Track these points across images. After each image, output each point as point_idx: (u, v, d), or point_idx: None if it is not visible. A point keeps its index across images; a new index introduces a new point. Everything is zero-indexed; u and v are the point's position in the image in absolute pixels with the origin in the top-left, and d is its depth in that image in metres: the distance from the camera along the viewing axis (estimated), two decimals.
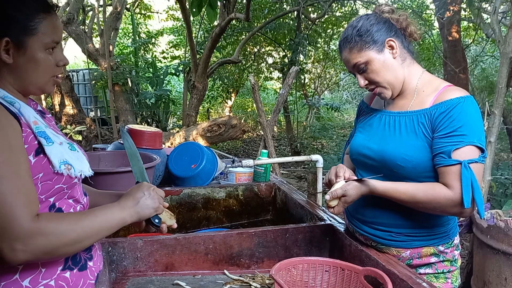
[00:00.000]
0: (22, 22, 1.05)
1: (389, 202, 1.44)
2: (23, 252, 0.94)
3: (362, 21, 1.43)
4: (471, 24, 10.26)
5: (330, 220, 1.80)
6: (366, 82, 1.46)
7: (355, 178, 1.46)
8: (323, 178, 2.36)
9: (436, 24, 9.33)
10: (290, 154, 8.97)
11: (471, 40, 8.98)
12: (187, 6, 7.65)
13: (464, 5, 8.18)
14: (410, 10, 9.00)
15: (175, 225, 1.33)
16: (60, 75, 1.17)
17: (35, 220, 0.96)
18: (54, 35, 1.10)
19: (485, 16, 8.29)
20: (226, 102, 12.89)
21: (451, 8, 7.43)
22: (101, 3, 9.25)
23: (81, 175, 1.14)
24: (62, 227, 1.00)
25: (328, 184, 1.50)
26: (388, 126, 1.49)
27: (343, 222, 1.76)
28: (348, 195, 1.41)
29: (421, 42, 9.95)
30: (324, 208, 1.97)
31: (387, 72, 1.43)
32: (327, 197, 1.44)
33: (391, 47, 1.43)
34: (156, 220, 1.21)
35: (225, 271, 1.61)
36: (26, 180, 0.98)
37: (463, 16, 9.09)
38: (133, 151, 1.42)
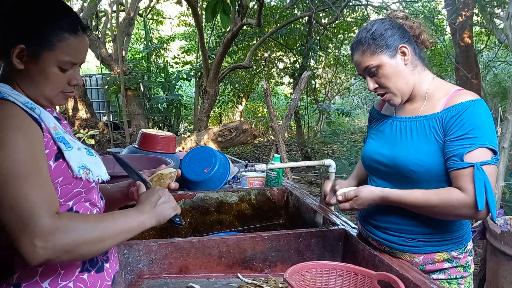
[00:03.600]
0: (43, 35, 1.06)
1: (402, 207, 1.45)
2: (43, 250, 0.93)
3: (376, 25, 1.44)
4: (483, 30, 10.19)
5: (343, 225, 1.80)
6: (376, 85, 1.47)
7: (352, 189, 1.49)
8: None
9: (448, 29, 9.28)
10: (300, 159, 8.96)
11: (484, 46, 8.92)
12: (200, 12, 7.72)
13: (476, 11, 8.13)
14: (422, 16, 8.98)
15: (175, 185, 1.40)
16: (71, 92, 1.16)
17: (56, 218, 0.97)
18: (73, 56, 1.10)
19: (497, 21, 8.23)
20: (237, 107, 12.93)
21: (463, 13, 7.40)
22: (114, 9, 9.36)
23: (98, 179, 1.16)
24: (84, 225, 1.01)
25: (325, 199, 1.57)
26: (399, 132, 1.49)
27: (356, 226, 1.76)
28: (360, 197, 1.42)
29: (433, 48, 9.88)
30: (337, 213, 1.97)
31: (397, 77, 1.44)
32: (340, 197, 1.46)
33: (404, 53, 1.43)
34: (177, 219, 1.22)
35: (239, 275, 1.62)
36: (46, 179, 1.00)
37: (475, 22, 9.04)
38: (129, 166, 1.41)
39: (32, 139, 1.00)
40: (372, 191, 1.43)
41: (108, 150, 3.13)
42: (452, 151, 1.34)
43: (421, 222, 1.45)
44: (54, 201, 1.01)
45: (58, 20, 1.08)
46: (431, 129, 1.41)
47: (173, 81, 9.75)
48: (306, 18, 8.83)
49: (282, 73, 12.06)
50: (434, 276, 1.48)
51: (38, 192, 0.97)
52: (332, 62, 11.67)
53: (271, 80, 12.06)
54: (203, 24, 8.26)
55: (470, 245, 1.53)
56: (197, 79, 9.40)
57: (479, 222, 2.63)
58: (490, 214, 1.32)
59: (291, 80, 11.27)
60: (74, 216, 1.03)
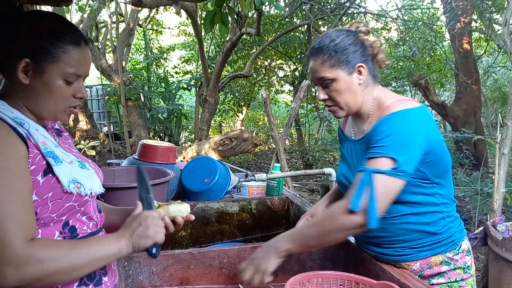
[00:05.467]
0: (46, 48, 1.07)
1: (386, 218, 1.44)
2: (12, 278, 0.93)
3: (342, 37, 1.42)
4: (482, 35, 10.22)
5: None
6: (326, 97, 1.46)
7: None
8: None
9: (447, 35, 9.30)
10: (301, 167, 8.96)
11: (483, 51, 8.94)
12: (199, 22, 7.77)
13: (475, 17, 8.17)
14: (421, 22, 9.01)
15: (192, 217, 1.35)
16: (76, 107, 1.16)
17: (29, 246, 0.96)
18: (77, 68, 1.11)
19: (496, 27, 8.26)
20: (238, 116, 12.96)
21: (462, 19, 7.43)
22: (114, 19, 9.42)
23: (91, 193, 1.14)
24: (57, 254, 0.99)
25: None
26: (352, 155, 1.52)
27: None
28: (255, 257, 1.44)
29: (432, 54, 9.93)
30: None
31: (349, 94, 1.44)
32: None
33: (360, 73, 1.43)
34: (153, 250, 1.16)
35: (240, 286, 1.62)
36: (24, 204, 0.99)
37: (474, 28, 9.07)
38: (145, 181, 1.37)
39: (11, 161, 0.98)
40: (265, 247, 1.46)
41: (108, 161, 3.13)
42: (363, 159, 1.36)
43: (407, 230, 1.44)
44: (29, 228, 0.99)
45: (61, 33, 1.09)
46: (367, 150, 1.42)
47: (173, 91, 9.78)
48: (305, 26, 8.88)
49: (282, 81, 12.10)
50: (434, 281, 1.47)
51: (12, 219, 0.95)
52: None
53: (271, 88, 12.10)
54: (202, 34, 8.31)
55: (465, 245, 1.51)
56: (197, 89, 9.43)
57: (481, 228, 2.62)
58: (367, 221, 1.27)
59: (291, 88, 11.31)
60: (48, 244, 1.01)
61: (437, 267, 1.47)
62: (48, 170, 1.06)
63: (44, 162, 1.06)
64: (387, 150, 1.29)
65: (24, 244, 0.95)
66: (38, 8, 1.19)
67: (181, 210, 1.32)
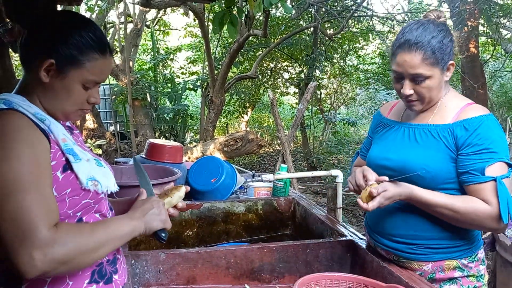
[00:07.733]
0: (73, 52, 1.08)
1: (407, 212, 1.45)
2: (41, 262, 0.93)
3: (442, 34, 1.37)
4: (489, 40, 10.18)
5: (351, 236, 1.80)
6: (412, 92, 1.41)
7: (386, 178, 1.39)
8: (343, 194, 2.36)
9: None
10: (306, 169, 8.93)
11: (490, 56, 8.91)
12: (206, 23, 7.79)
13: (482, 21, 8.14)
14: None
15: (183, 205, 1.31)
16: (87, 110, 1.19)
17: (54, 230, 0.97)
18: (98, 76, 1.13)
19: (503, 31, 8.23)
20: (243, 117, 12.95)
21: (469, 23, 7.40)
22: (122, 20, 9.45)
23: (107, 190, 1.16)
24: (80, 236, 1.01)
25: (357, 190, 1.44)
26: (407, 137, 1.49)
27: (364, 238, 1.76)
28: (388, 190, 1.35)
29: None
30: (344, 224, 1.96)
31: (437, 91, 1.42)
32: (374, 191, 1.34)
33: (448, 70, 1.41)
34: (162, 234, 1.19)
35: (246, 286, 1.62)
36: (48, 192, 1.00)
37: (481, 32, 9.04)
38: (143, 173, 1.41)
39: (37, 151, 1.01)
40: (398, 185, 1.38)
41: (115, 160, 3.14)
42: (470, 165, 1.35)
43: (426, 228, 1.45)
44: (54, 213, 1.01)
45: (91, 41, 1.10)
46: (442, 138, 1.41)
47: (180, 91, 9.79)
48: (312, 28, 8.88)
49: (287, 84, 12.09)
50: (446, 286, 1.46)
51: (40, 205, 0.97)
52: (337, 72, 11.70)
53: (277, 90, 12.09)
54: (209, 35, 8.32)
55: (481, 254, 1.51)
56: (203, 89, 9.44)
57: (489, 233, 2.60)
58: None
59: (297, 90, 11.29)
60: (71, 228, 1.03)
61: (450, 272, 1.46)
62: (67, 166, 1.07)
63: (64, 159, 1.07)
64: (499, 155, 1.34)
65: (50, 228, 0.97)
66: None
67: (180, 195, 1.31)
